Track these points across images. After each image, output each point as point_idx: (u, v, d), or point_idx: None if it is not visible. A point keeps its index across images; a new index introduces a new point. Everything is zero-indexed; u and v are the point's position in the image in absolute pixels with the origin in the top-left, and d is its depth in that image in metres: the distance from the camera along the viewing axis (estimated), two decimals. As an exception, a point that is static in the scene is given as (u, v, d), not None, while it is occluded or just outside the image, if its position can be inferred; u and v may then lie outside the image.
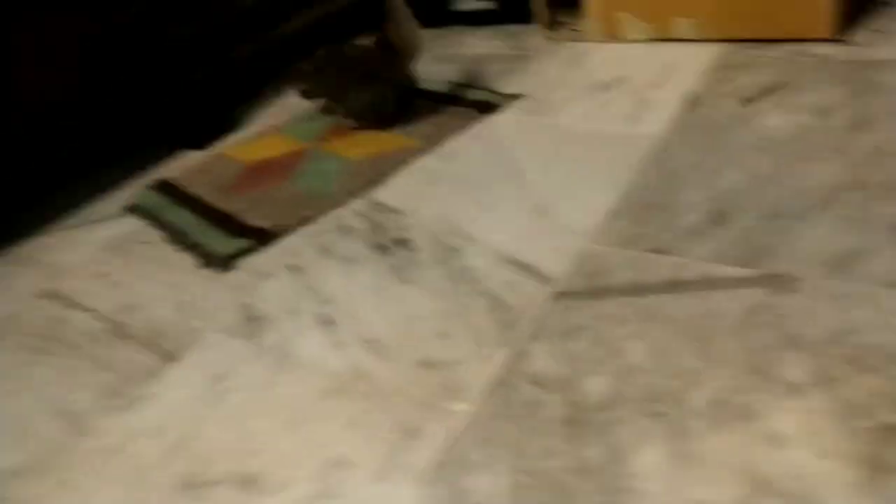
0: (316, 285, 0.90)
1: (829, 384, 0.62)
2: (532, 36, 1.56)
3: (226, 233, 1.05)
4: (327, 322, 0.83)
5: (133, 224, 1.17)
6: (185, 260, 1.03)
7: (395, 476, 0.62)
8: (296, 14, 1.60)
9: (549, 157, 1.07)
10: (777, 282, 0.74)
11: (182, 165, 1.31)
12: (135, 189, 1.26)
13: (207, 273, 0.98)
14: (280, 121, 1.37)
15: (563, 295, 0.78)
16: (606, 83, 1.26)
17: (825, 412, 0.59)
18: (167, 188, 1.23)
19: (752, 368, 0.65)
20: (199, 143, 1.38)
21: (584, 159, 1.04)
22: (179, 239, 1.08)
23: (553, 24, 1.50)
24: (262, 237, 1.01)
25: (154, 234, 1.12)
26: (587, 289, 0.79)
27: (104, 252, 1.10)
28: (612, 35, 1.40)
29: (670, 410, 0.62)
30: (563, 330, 0.74)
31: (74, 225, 1.21)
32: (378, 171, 1.12)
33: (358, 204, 1.05)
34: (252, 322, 0.86)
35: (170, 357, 0.84)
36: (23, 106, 1.17)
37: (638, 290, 0.77)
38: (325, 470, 0.65)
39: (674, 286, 0.76)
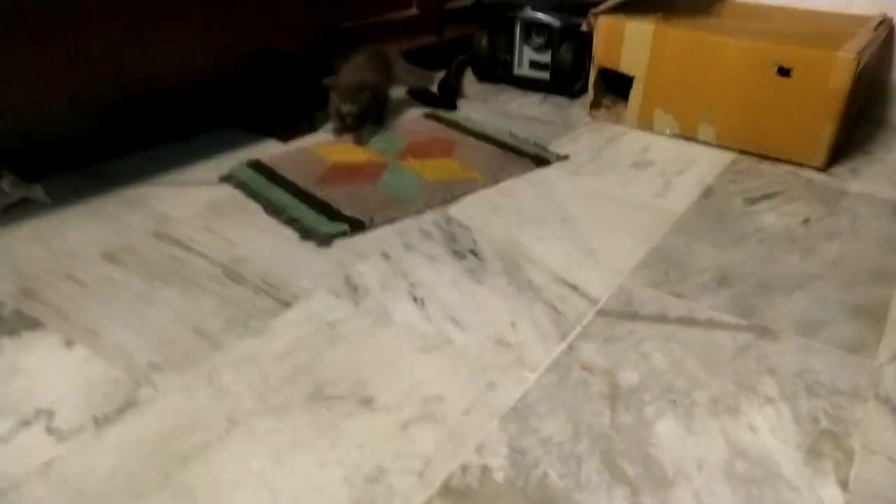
0: (405, 271, 1.12)
1: (791, 400, 0.87)
2: (576, 109, 1.84)
3: (323, 215, 1.27)
4: (416, 299, 1.05)
5: (229, 192, 1.38)
6: (285, 231, 1.24)
7: (481, 412, 0.85)
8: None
9: (592, 210, 1.32)
10: (762, 331, 0.99)
11: (269, 152, 1.53)
12: (226, 162, 1.47)
13: (308, 245, 1.20)
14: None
15: (604, 312, 1.03)
16: (639, 162, 1.54)
17: (787, 416, 0.84)
18: (261, 167, 1.44)
19: (739, 383, 0.90)
20: (286, 136, 1.60)
21: (621, 217, 1.30)
22: (277, 212, 1.29)
23: (597, 104, 1.78)
24: (357, 225, 1.24)
25: (251, 204, 1.33)
26: (623, 311, 1.03)
27: (207, 210, 1.31)
28: (645, 125, 1.69)
29: (681, 400, 0.87)
30: (604, 337, 0.98)
31: (174, 182, 1.41)
32: (450, 192, 1.36)
33: (434, 215, 1.29)
34: (353, 289, 1.08)
35: (285, 304, 1.04)
36: (168, 67, 1.37)
37: (661, 319, 1.02)
38: (425, 401, 0.86)
39: (688, 321, 1.01)
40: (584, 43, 1.84)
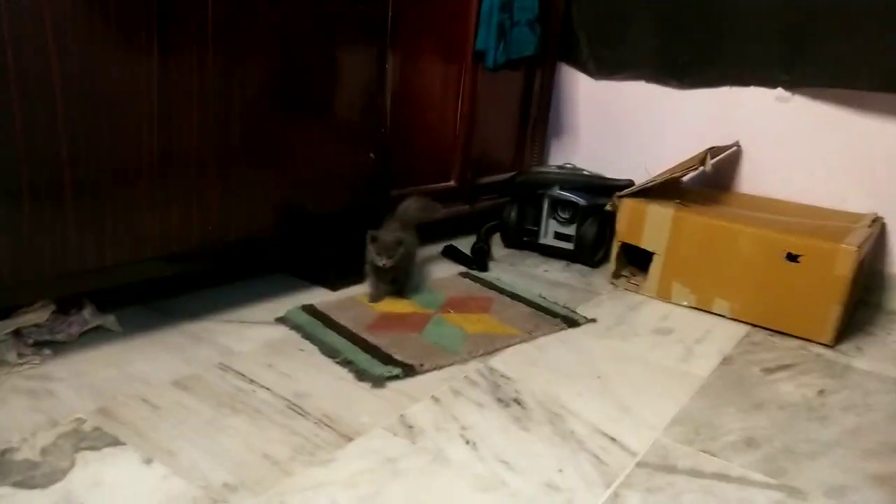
0: (455, 414, 1.21)
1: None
2: (597, 277, 2.00)
3: (376, 359, 1.37)
4: (468, 441, 1.13)
5: (286, 332, 1.49)
6: (340, 371, 1.34)
7: (539, 549, 0.90)
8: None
9: (622, 370, 1.43)
10: (792, 491, 1.07)
11: (320, 299, 1.65)
12: (280, 305, 1.59)
13: (363, 385, 1.29)
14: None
15: (644, 464, 1.10)
16: (660, 329, 1.67)
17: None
18: (315, 312, 1.56)
19: (779, 541, 0.96)
20: (334, 285, 1.74)
21: (650, 378, 1.40)
22: (333, 354, 1.39)
23: (619, 275, 1.94)
24: (408, 369, 1.33)
25: (307, 345, 1.44)
26: (661, 464, 1.11)
27: (267, 348, 1.41)
28: (664, 295, 1.84)
29: (726, 552, 0.93)
30: (646, 486, 1.05)
31: (234, 320, 1.52)
32: (491, 345, 1.47)
33: (478, 365, 1.39)
34: (409, 428, 1.16)
35: (346, 437, 1.12)
36: (241, 223, 1.53)
37: (696, 473, 1.09)
38: (485, 535, 0.92)
39: (722, 477, 1.09)
40: (605, 219, 2.04)
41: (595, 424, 1.21)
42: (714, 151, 1.96)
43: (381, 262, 1.61)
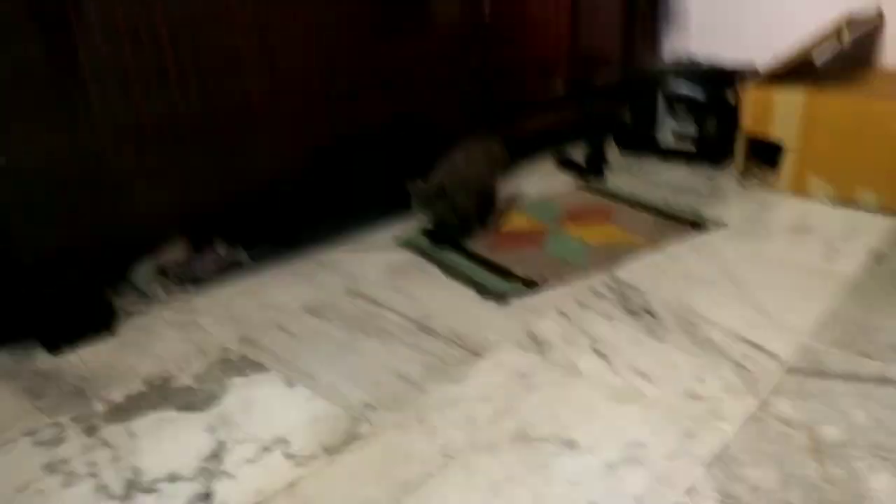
0: (584, 328, 1.18)
1: None
2: (724, 178, 1.88)
3: (498, 276, 1.36)
4: (601, 354, 1.11)
5: (408, 256, 1.49)
6: (464, 290, 1.34)
7: (685, 458, 0.88)
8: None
9: (760, 273, 1.34)
10: (966, 395, 0.98)
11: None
12: (400, 231, 1.60)
13: (487, 303, 1.29)
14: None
15: (793, 370, 1.04)
16: (798, 227, 1.55)
17: None
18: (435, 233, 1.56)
19: (952, 446, 0.89)
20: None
21: (791, 281, 1.31)
22: (455, 273, 1.39)
23: (746, 172, 1.81)
24: (531, 285, 1.32)
25: (429, 267, 1.44)
26: (813, 370, 1.04)
27: (392, 271, 1.43)
28: (800, 192, 1.70)
29: (893, 458, 0.87)
30: (797, 392, 0.99)
31: (359, 248, 1.55)
32: (614, 256, 1.42)
33: (603, 277, 1.35)
34: (537, 343, 1.15)
35: (476, 353, 1.13)
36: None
37: (853, 377, 1.02)
38: (626, 446, 0.91)
39: (883, 381, 1.01)
40: (728, 113, 1.89)
41: (735, 331, 1.15)
42: (852, 22, 1.75)
43: (423, 215, 1.47)
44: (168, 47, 1.19)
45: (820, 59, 1.95)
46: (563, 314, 1.23)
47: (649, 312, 1.22)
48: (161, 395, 1.05)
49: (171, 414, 1.00)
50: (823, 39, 1.72)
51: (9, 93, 1.04)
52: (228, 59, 1.27)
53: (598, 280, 1.34)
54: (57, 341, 1.16)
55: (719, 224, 1.56)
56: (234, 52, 1.28)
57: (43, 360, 1.14)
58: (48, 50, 1.06)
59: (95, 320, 1.20)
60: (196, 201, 1.31)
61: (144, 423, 0.98)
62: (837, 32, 1.68)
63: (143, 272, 1.32)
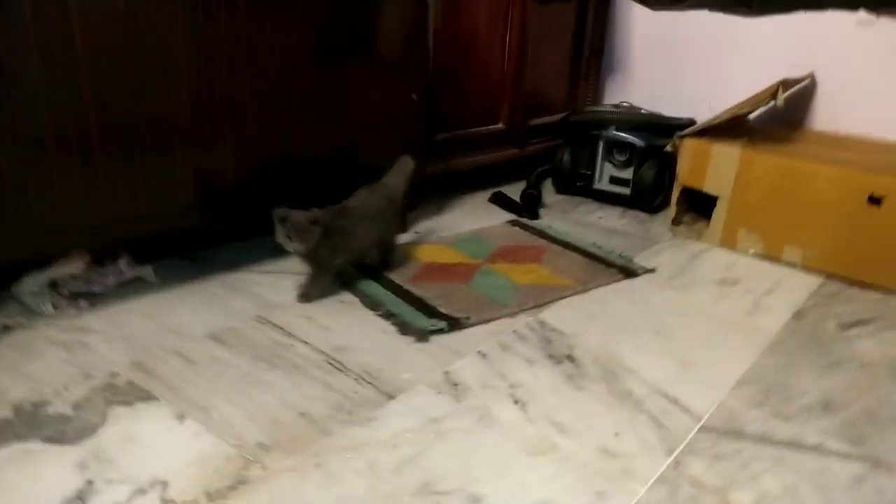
0: (503, 371, 1.13)
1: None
2: (656, 224, 1.88)
3: (420, 311, 1.30)
4: (518, 400, 1.06)
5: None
6: (382, 324, 1.27)
7: (593, 522, 0.83)
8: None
9: (685, 323, 1.32)
10: (876, 462, 0.96)
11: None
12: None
13: (405, 339, 1.22)
14: (438, 235, 1.67)
15: (708, 428, 1.01)
16: (725, 279, 1.54)
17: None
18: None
19: (863, 517, 0.86)
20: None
21: (715, 333, 1.29)
22: (375, 306, 1.32)
23: (679, 221, 1.81)
24: (453, 323, 1.26)
25: (348, 297, 1.37)
26: (728, 429, 1.01)
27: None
28: (730, 244, 1.71)
29: (804, 529, 0.84)
30: (712, 454, 0.96)
31: (272, 270, 1.47)
32: (541, 297, 1.38)
33: (528, 318, 1.31)
34: (453, 386, 1.09)
35: (388, 395, 1.06)
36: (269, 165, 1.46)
37: (767, 440, 0.99)
38: (535, 504, 0.85)
39: (796, 446, 0.99)
40: (665, 162, 1.90)
41: (655, 384, 1.12)
42: (786, 84, 1.79)
43: (291, 247, 1.26)
44: (83, 59, 1.10)
45: (755, 117, 2.00)
46: (482, 355, 1.18)
47: (571, 359, 1.18)
48: (29, 423, 0.94)
49: (37, 446, 0.90)
50: (760, 99, 1.75)
51: None
52: (149, 75, 1.19)
53: (522, 321, 1.30)
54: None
55: (648, 271, 1.55)
56: (157, 67, 1.20)
57: None
58: None
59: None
60: (101, 214, 1.21)
61: (2, 456, 0.87)
62: (773, 93, 1.71)
63: (30, 284, 1.21)
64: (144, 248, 1.39)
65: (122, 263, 1.34)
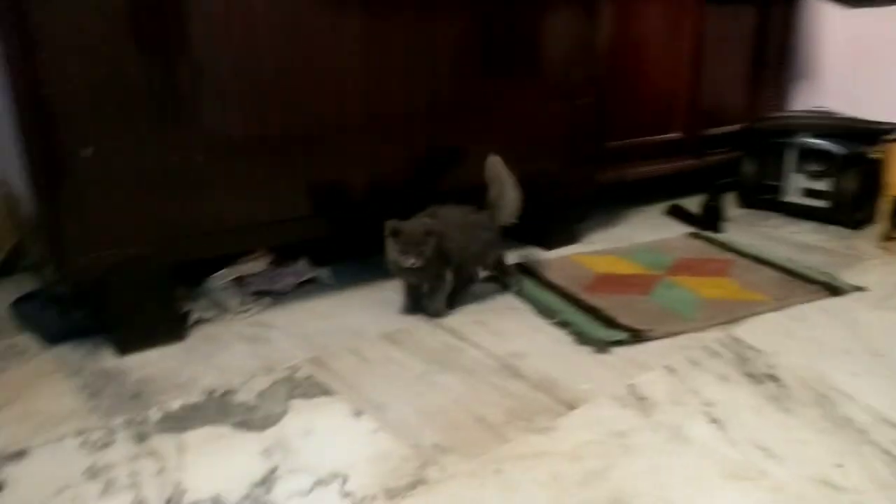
0: (695, 388, 1.02)
1: None
2: (861, 240, 1.67)
3: (598, 322, 1.22)
4: (714, 420, 0.94)
5: (497, 289, 1.38)
6: (557, 332, 1.21)
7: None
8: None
9: (909, 348, 1.14)
10: None
11: (535, 258, 1.53)
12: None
13: (582, 349, 1.15)
14: (611, 245, 1.58)
15: (959, 467, 0.85)
16: (955, 301, 1.33)
17: None
18: (528, 271, 1.44)
19: None
20: (549, 244, 1.61)
21: (950, 360, 1.10)
22: (549, 314, 1.26)
23: (889, 236, 1.60)
24: (635, 335, 1.17)
25: (520, 304, 1.32)
26: None
27: (478, 305, 1.32)
28: (956, 261, 1.48)
29: None
30: (967, 497, 0.80)
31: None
32: (732, 312, 1.25)
33: (717, 334, 1.19)
34: (640, 400, 1.00)
35: (567, 405, 0.99)
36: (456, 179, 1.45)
37: None
38: (745, 535, 0.74)
39: None
40: (870, 171, 1.69)
41: (880, 412, 0.96)
42: None
43: (409, 262, 1.18)
44: (268, 60, 1.15)
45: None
46: (670, 370, 1.07)
47: (773, 378, 1.05)
48: (218, 408, 0.97)
49: (226, 430, 0.92)
50: None
51: (106, 97, 1.02)
52: (327, 79, 1.22)
53: (712, 336, 1.18)
54: (129, 342, 1.11)
55: (857, 289, 1.36)
56: (333, 72, 1.23)
57: (108, 359, 1.10)
58: (146, 66, 1.04)
59: (167, 324, 1.14)
60: (281, 214, 1.25)
61: (197, 437, 0.90)
62: None
63: (219, 281, 1.27)
64: (322, 251, 1.42)
65: (301, 264, 1.38)
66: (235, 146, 1.16)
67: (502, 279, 1.38)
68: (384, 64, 1.28)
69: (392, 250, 1.19)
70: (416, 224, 1.20)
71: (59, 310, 1.16)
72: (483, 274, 1.38)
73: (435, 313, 1.26)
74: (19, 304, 1.24)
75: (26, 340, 1.17)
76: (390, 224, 1.18)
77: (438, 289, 1.26)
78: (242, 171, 1.17)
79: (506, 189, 1.31)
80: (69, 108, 1.00)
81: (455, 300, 1.30)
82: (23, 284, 1.34)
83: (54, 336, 1.14)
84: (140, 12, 1.03)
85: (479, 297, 1.34)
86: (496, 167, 1.31)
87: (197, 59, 1.09)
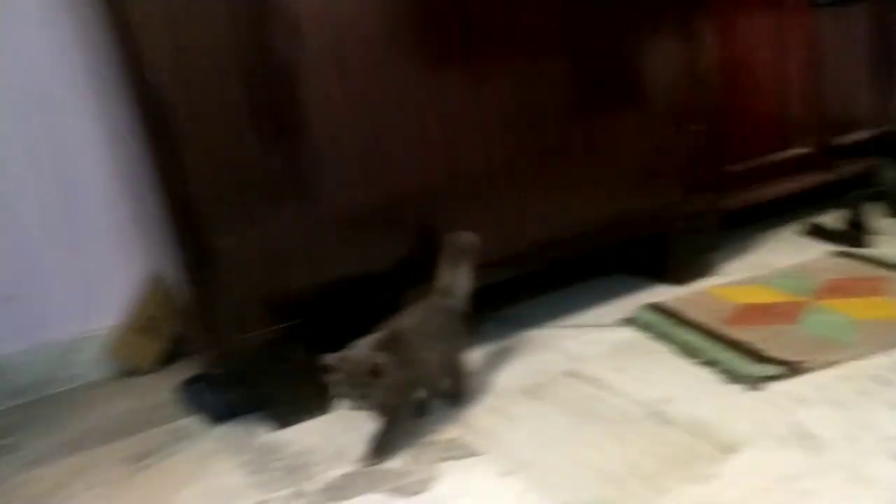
0: (869, 422, 0.94)
1: None
2: None
3: (745, 356, 1.15)
4: (896, 456, 0.87)
5: (632, 334, 1.34)
6: (701, 372, 1.15)
7: None
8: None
9: None
10: None
11: (665, 296, 1.48)
12: (619, 306, 1.46)
13: (731, 388, 1.09)
14: (748, 274, 1.51)
15: None
16: None
17: None
18: (663, 310, 1.39)
19: None
20: (680, 279, 1.55)
21: None
22: (692, 353, 1.21)
23: None
24: (790, 368, 1.10)
25: (657, 346, 1.28)
26: None
27: (615, 351, 1.28)
28: None
29: None
30: None
31: (575, 324, 1.43)
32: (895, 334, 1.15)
33: (884, 359, 1.09)
34: (807, 439, 0.93)
35: (727, 449, 0.93)
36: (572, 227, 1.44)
37: None
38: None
39: None
40: None
41: None
42: None
43: (353, 401, 0.98)
44: (381, 133, 1.20)
45: None
46: (836, 403, 1.00)
47: (961, 405, 0.95)
48: (373, 476, 0.99)
49: (382, 497, 0.94)
50: None
51: (241, 187, 1.09)
52: (436, 144, 1.25)
53: (877, 362, 1.09)
54: (282, 416, 1.17)
55: None
56: (443, 137, 1.26)
57: (265, 435, 1.16)
58: (267, 153, 1.11)
59: (317, 397, 1.19)
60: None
61: (355, 507, 0.93)
62: None
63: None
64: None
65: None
66: (355, 216, 1.20)
67: (456, 385, 1.16)
68: (489, 121, 1.30)
69: (333, 386, 0.98)
70: (359, 357, 0.96)
71: (218, 391, 1.24)
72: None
73: (375, 454, 1.02)
74: (183, 387, 1.33)
75: (192, 422, 1.25)
76: (328, 358, 0.96)
77: (391, 425, 1.03)
78: (364, 238, 1.21)
79: (460, 274, 1.16)
80: (211, 201, 1.08)
81: (458, 399, 1.15)
82: (186, 371, 1.44)
83: (216, 416, 1.22)
84: (261, 106, 1.10)
85: (616, 345, 1.30)
86: (460, 245, 1.16)
87: (317, 139, 1.15)
